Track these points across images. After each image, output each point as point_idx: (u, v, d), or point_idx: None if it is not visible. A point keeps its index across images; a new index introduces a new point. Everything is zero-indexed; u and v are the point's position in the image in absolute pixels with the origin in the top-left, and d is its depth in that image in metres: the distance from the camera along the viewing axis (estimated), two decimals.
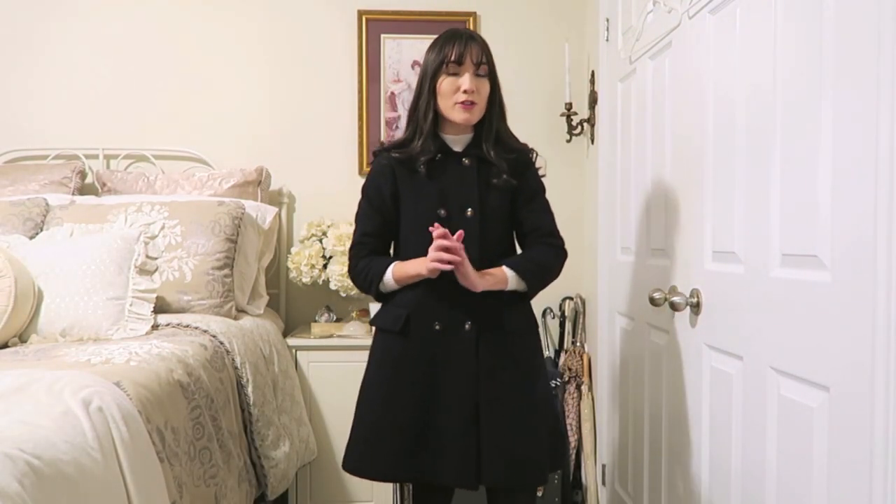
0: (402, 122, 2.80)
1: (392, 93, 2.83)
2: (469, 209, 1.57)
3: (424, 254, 1.51)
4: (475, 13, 2.82)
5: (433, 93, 1.57)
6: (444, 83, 1.55)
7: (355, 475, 1.62)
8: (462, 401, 1.53)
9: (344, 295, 2.57)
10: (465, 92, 1.53)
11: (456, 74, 1.54)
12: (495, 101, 1.61)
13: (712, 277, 1.51)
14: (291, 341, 2.48)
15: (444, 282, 1.52)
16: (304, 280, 2.57)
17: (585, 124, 2.67)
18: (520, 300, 1.62)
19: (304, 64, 2.84)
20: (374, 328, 1.68)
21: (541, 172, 1.69)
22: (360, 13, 2.81)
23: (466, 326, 1.55)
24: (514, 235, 1.69)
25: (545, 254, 1.63)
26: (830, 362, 1.09)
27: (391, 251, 1.69)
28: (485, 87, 1.57)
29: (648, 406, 1.96)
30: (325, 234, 2.62)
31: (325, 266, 2.58)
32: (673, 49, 1.75)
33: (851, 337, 1.03)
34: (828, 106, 1.10)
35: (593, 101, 2.59)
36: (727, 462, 1.46)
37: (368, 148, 2.82)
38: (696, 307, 1.57)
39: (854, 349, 1.03)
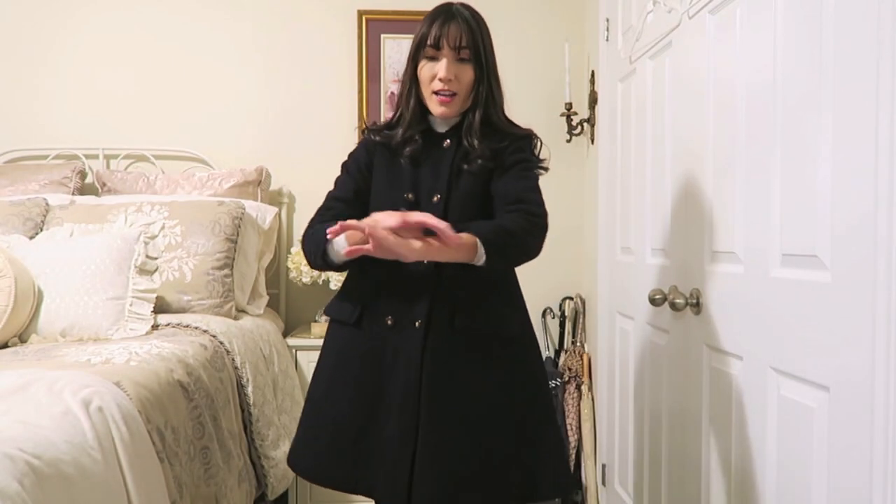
0: None
1: (392, 93, 2.83)
2: (436, 195, 1.40)
3: None
4: None
5: (415, 79, 1.43)
6: (423, 70, 1.40)
7: (294, 472, 1.49)
8: (403, 407, 1.34)
9: None
10: (440, 80, 1.37)
11: (434, 59, 1.39)
12: (482, 86, 1.42)
13: (712, 277, 1.51)
14: (291, 341, 2.48)
15: (403, 271, 1.35)
16: (304, 280, 2.57)
17: (585, 124, 2.67)
18: (494, 300, 1.41)
19: (305, 64, 2.84)
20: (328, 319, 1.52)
21: (543, 165, 1.49)
22: (360, 13, 2.81)
23: (416, 324, 1.36)
24: None
25: (515, 219, 1.34)
26: (830, 362, 1.09)
27: None
28: (466, 73, 1.39)
29: (648, 406, 1.96)
30: None
31: None
32: (673, 49, 1.75)
33: (851, 337, 1.03)
34: (828, 105, 1.10)
35: (593, 101, 2.59)
36: (727, 462, 1.46)
37: None
38: (696, 307, 1.57)
39: (854, 349, 1.03)
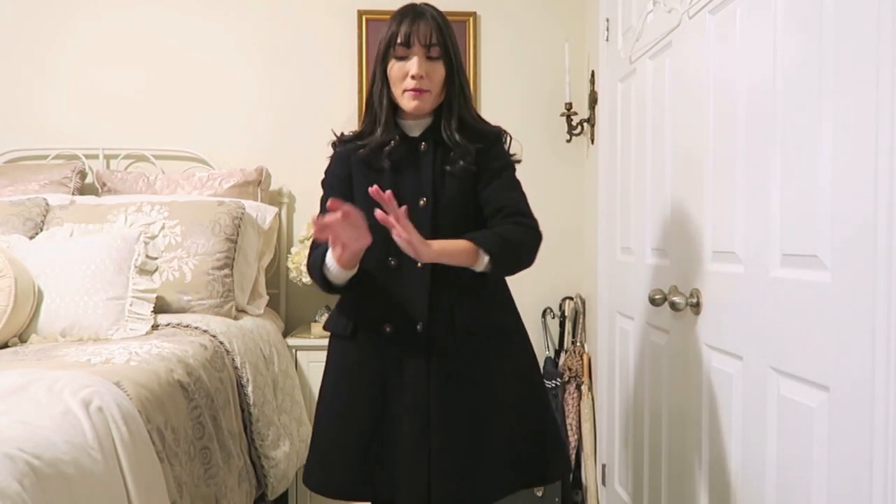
0: None
1: None
2: (422, 199, 1.41)
3: (371, 247, 1.34)
4: (475, 13, 2.82)
5: (385, 79, 1.42)
6: (394, 69, 1.40)
7: (314, 492, 1.48)
8: (414, 410, 1.38)
9: None
10: (412, 78, 1.38)
11: (404, 58, 1.39)
12: (454, 83, 1.43)
13: (712, 277, 1.51)
14: (291, 341, 2.48)
15: (396, 278, 1.41)
16: (304, 280, 2.57)
17: (585, 124, 2.67)
18: (487, 298, 1.43)
19: (305, 64, 2.84)
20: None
21: (515, 158, 1.51)
22: (360, 13, 2.81)
23: (418, 327, 1.40)
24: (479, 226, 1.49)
25: (514, 231, 1.39)
26: (830, 362, 1.09)
27: None
28: (437, 70, 1.40)
29: (648, 406, 1.96)
30: None
31: None
32: (673, 49, 1.75)
33: (851, 337, 1.03)
34: (828, 105, 1.10)
35: (593, 101, 2.59)
36: (727, 462, 1.46)
37: None
38: (696, 307, 1.57)
39: (854, 349, 1.03)
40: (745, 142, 1.37)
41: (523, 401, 1.47)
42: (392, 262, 1.41)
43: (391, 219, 1.21)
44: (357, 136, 1.48)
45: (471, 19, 2.80)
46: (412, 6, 1.44)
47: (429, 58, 1.39)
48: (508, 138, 1.51)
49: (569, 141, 2.77)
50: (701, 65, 1.57)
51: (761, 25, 1.31)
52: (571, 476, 2.59)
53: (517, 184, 1.48)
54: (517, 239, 1.39)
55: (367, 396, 1.42)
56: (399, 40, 1.38)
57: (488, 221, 1.44)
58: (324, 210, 1.46)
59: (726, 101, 1.45)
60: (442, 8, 2.91)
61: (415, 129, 1.47)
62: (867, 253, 0.99)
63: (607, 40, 2.37)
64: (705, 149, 1.54)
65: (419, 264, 1.37)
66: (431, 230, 1.38)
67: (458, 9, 2.81)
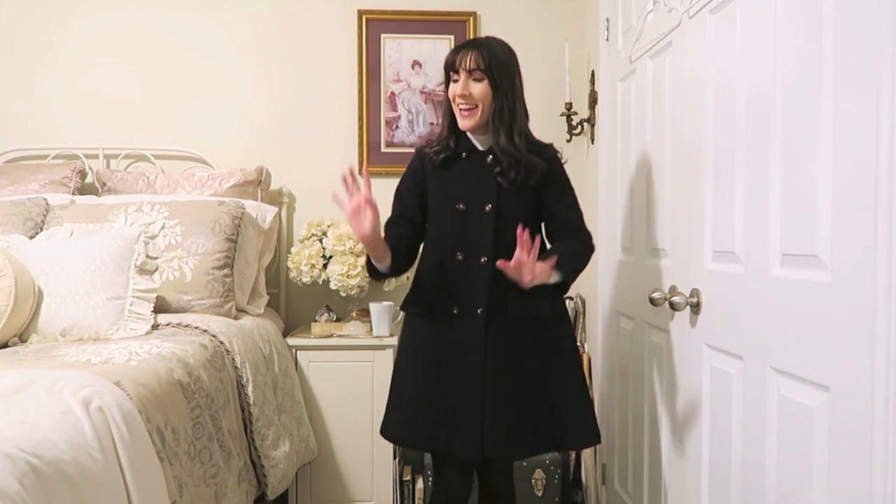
0: (403, 122, 2.82)
1: (392, 92, 2.83)
2: (488, 205, 1.66)
3: (443, 243, 1.69)
4: (475, 13, 2.82)
5: (448, 101, 1.70)
6: (449, 91, 1.67)
7: (388, 440, 1.78)
8: (472, 379, 1.63)
9: (344, 295, 2.57)
10: (458, 96, 1.63)
11: (456, 81, 1.65)
12: (503, 104, 1.63)
13: (712, 277, 1.51)
14: (291, 341, 2.48)
15: (463, 270, 1.66)
16: (304, 280, 2.57)
17: (585, 124, 2.67)
18: (533, 292, 1.64)
19: (305, 64, 2.84)
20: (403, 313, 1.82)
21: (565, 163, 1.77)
22: (360, 13, 2.81)
23: (478, 311, 1.65)
24: (543, 231, 1.77)
25: (573, 245, 1.69)
26: (830, 362, 1.09)
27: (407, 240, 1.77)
28: (478, 88, 1.63)
29: (648, 406, 1.96)
30: (325, 233, 2.62)
31: (325, 266, 2.58)
32: (673, 49, 1.75)
33: (851, 337, 1.03)
34: (828, 105, 1.10)
35: (593, 100, 2.59)
36: (727, 462, 1.46)
37: (368, 147, 2.82)
38: (696, 307, 1.57)
39: (854, 349, 1.03)
40: (745, 141, 1.37)
41: (560, 376, 1.70)
42: (460, 257, 1.67)
43: (524, 252, 1.46)
44: (434, 144, 1.74)
45: (471, 19, 2.80)
46: (468, 40, 1.69)
47: (473, 80, 1.63)
48: (561, 154, 1.76)
49: (569, 141, 2.77)
50: (701, 64, 1.57)
51: (761, 25, 1.31)
52: (572, 476, 2.59)
53: (575, 201, 1.75)
54: (577, 250, 1.69)
55: (436, 364, 1.68)
56: (450, 67, 1.65)
57: (554, 233, 1.74)
58: (393, 212, 1.77)
59: (726, 101, 1.45)
60: (442, 8, 2.93)
61: (482, 143, 1.71)
62: (867, 253, 0.99)
63: (607, 40, 2.37)
64: (705, 148, 1.54)
65: (482, 260, 1.65)
66: (494, 232, 1.65)
67: (458, 9, 2.81)
